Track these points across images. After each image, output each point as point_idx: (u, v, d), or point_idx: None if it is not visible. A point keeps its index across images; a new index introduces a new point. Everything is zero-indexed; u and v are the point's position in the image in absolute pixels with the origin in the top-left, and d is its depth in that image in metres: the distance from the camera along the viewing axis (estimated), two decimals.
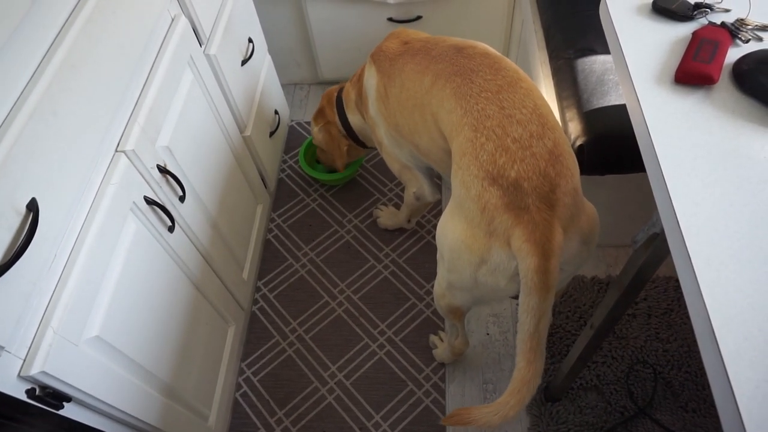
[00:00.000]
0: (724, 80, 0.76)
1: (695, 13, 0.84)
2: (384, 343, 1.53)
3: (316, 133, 1.66)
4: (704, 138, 0.70)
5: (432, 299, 1.60)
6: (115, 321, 0.89)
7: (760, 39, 0.80)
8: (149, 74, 1.05)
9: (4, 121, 0.69)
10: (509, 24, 1.94)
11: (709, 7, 0.85)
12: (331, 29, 1.95)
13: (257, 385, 1.49)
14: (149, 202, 0.99)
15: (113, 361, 0.90)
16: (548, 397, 1.39)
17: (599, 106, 1.26)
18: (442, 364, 1.49)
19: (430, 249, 1.71)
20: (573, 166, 0.92)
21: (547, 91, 1.44)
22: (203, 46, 1.30)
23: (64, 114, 0.78)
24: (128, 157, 0.94)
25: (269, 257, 1.73)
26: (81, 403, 0.84)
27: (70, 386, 0.79)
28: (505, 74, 1.00)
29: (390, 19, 1.89)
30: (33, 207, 0.71)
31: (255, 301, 1.64)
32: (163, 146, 1.06)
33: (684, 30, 0.84)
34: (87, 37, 0.84)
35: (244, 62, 1.52)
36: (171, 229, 1.06)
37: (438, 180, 1.75)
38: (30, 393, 0.73)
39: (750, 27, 0.81)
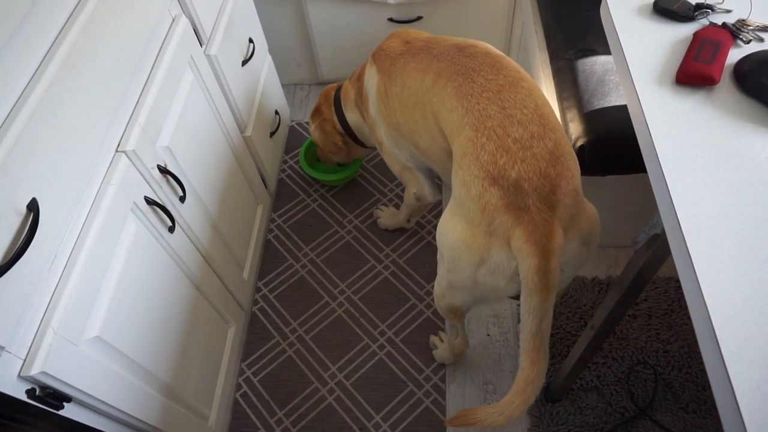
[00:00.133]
0: (726, 81, 0.76)
1: (696, 13, 0.84)
2: (384, 343, 1.53)
3: (313, 131, 1.66)
4: (705, 139, 0.70)
5: (432, 299, 1.60)
6: (115, 321, 0.89)
7: (761, 40, 0.80)
8: (150, 74, 1.05)
9: (4, 122, 0.69)
10: (510, 24, 1.94)
11: (710, 7, 0.85)
12: (332, 29, 1.95)
13: (257, 385, 1.49)
14: (149, 202, 0.99)
15: (113, 362, 0.90)
16: (548, 397, 1.39)
17: (600, 107, 1.26)
18: (443, 365, 1.48)
19: (431, 249, 1.71)
20: (574, 167, 0.92)
21: (548, 92, 1.44)
22: (204, 47, 1.30)
23: (65, 114, 0.78)
24: (129, 158, 0.94)
25: (269, 257, 1.73)
26: (81, 404, 0.84)
27: (71, 386, 0.79)
28: (507, 74, 1.00)
29: (390, 20, 1.89)
30: (33, 207, 0.71)
31: (255, 302, 1.64)
32: (164, 146, 1.06)
33: (685, 30, 0.84)
34: (87, 37, 0.84)
35: (244, 62, 1.52)
36: (171, 229, 1.06)
37: (438, 180, 1.75)
38: (30, 393, 0.73)
39: (751, 27, 0.81)
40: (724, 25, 0.82)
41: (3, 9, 0.69)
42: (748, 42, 0.80)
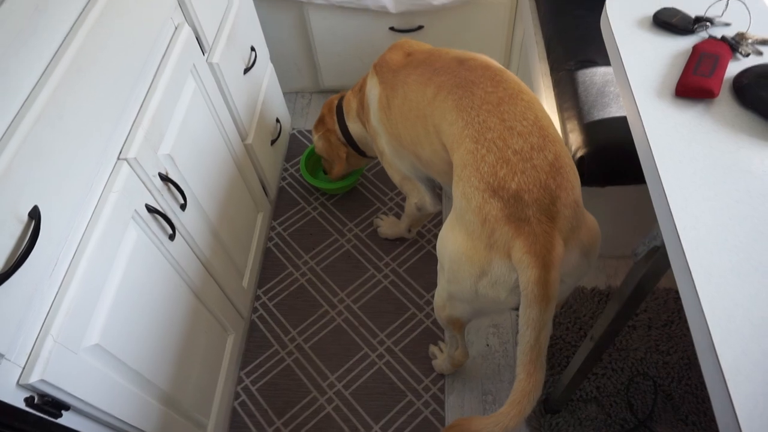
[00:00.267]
0: (725, 94, 0.77)
1: (696, 26, 0.85)
2: (383, 353, 1.53)
3: (317, 141, 1.67)
4: (704, 151, 0.71)
5: (432, 309, 1.60)
6: (114, 329, 0.89)
7: (760, 53, 0.81)
8: (152, 82, 1.05)
9: (7, 130, 0.69)
10: (510, 35, 1.96)
11: (710, 21, 0.85)
12: (333, 38, 1.96)
13: (256, 394, 1.48)
14: (150, 210, 0.99)
15: (112, 370, 0.90)
16: (548, 408, 1.38)
17: (600, 118, 1.26)
18: (442, 375, 1.48)
19: (431, 259, 1.71)
20: (574, 179, 0.93)
21: (548, 103, 1.44)
22: (206, 55, 1.30)
23: (68, 122, 0.79)
24: (130, 165, 0.95)
25: (269, 265, 1.73)
26: (79, 412, 0.84)
27: (69, 395, 0.78)
28: (507, 86, 1.01)
29: (392, 29, 1.90)
30: (35, 215, 0.71)
31: (254, 310, 1.64)
32: (165, 154, 1.07)
33: (684, 43, 0.84)
34: (91, 45, 0.85)
35: (246, 70, 1.53)
36: (172, 237, 1.06)
37: (439, 190, 1.75)
38: (29, 401, 0.73)
39: (750, 41, 0.82)
40: (723, 38, 0.83)
41: (8, 15, 0.69)
42: (747, 55, 0.81)
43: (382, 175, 1.91)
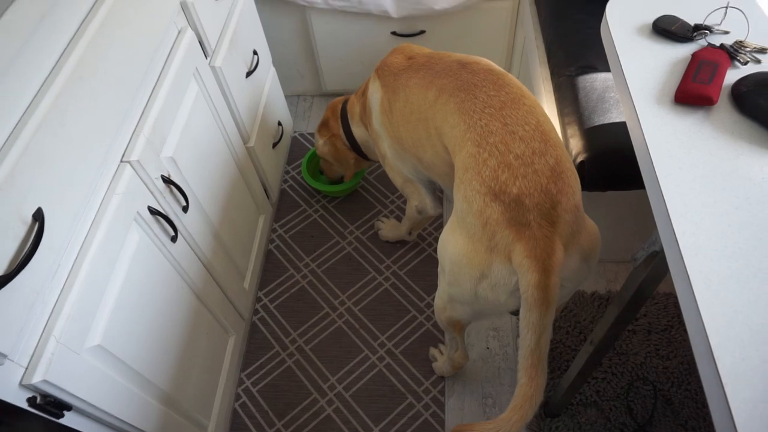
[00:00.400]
0: (723, 101, 0.77)
1: (695, 34, 0.85)
2: (384, 355, 1.53)
3: (321, 146, 1.67)
4: (703, 158, 0.71)
5: (432, 312, 1.60)
6: (116, 330, 0.90)
7: (758, 61, 0.81)
8: (155, 86, 1.06)
9: (12, 133, 0.70)
10: (511, 40, 1.96)
11: (709, 29, 0.86)
12: (335, 42, 1.97)
13: (256, 395, 1.49)
14: (153, 212, 1.00)
15: (114, 370, 0.91)
16: (548, 412, 1.38)
17: (600, 123, 1.27)
18: (442, 378, 1.48)
19: (431, 262, 1.71)
20: (575, 183, 0.93)
21: (549, 108, 1.45)
22: (209, 58, 1.31)
23: (72, 125, 0.79)
24: (133, 168, 0.95)
25: (270, 267, 1.74)
26: (81, 412, 0.85)
27: (71, 395, 0.79)
28: (509, 90, 1.02)
29: (393, 33, 1.91)
30: (39, 217, 0.71)
31: (255, 312, 1.64)
32: (168, 157, 1.07)
33: (684, 51, 0.85)
34: (95, 50, 0.85)
35: (248, 74, 1.53)
36: (174, 239, 1.07)
37: (440, 193, 1.76)
38: (31, 401, 0.74)
39: (748, 49, 0.83)
40: (722, 46, 0.83)
41: (13, 22, 0.70)
42: (746, 63, 0.81)
43: (384, 178, 1.92)
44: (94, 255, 0.84)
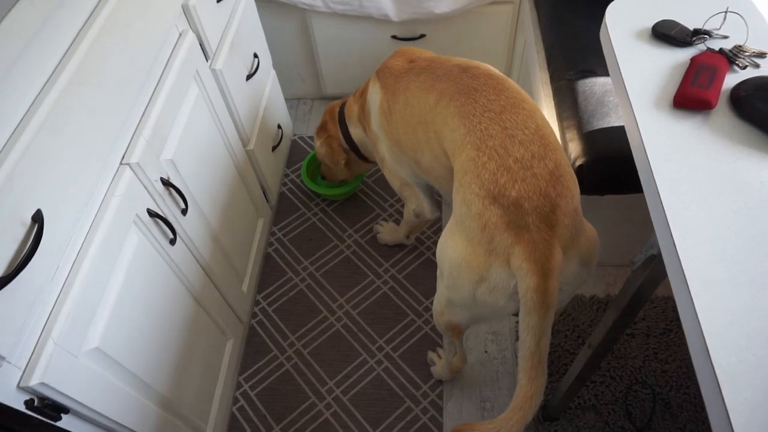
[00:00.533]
0: (722, 106, 0.77)
1: (694, 39, 0.86)
2: (382, 359, 1.53)
3: (319, 147, 1.68)
4: (702, 162, 0.71)
5: (431, 316, 1.60)
6: (114, 333, 0.90)
7: (757, 66, 0.82)
8: (156, 88, 1.06)
9: (12, 134, 0.70)
10: (512, 44, 1.97)
11: (708, 33, 0.86)
12: (336, 45, 1.97)
13: (254, 399, 1.48)
14: (152, 214, 1.00)
15: (112, 373, 0.90)
16: (546, 416, 1.38)
17: (599, 127, 1.27)
18: (440, 381, 1.48)
19: (430, 265, 1.71)
20: (574, 187, 0.93)
21: (548, 112, 1.45)
22: (209, 61, 1.31)
23: (72, 127, 0.79)
24: (133, 170, 0.95)
25: (269, 271, 1.74)
26: (79, 415, 0.84)
27: (69, 398, 0.79)
28: (509, 95, 1.02)
29: (394, 37, 1.92)
30: (38, 218, 0.71)
31: (254, 315, 1.64)
32: (168, 159, 1.07)
33: (682, 55, 0.85)
34: (96, 53, 0.85)
35: (249, 77, 1.54)
36: (173, 241, 1.07)
37: (438, 197, 1.76)
38: (29, 404, 0.74)
39: (747, 54, 0.83)
40: (721, 50, 0.83)
41: (15, 24, 0.70)
42: (744, 68, 0.81)
43: (382, 182, 1.92)
44: (93, 257, 0.84)
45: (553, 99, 1.44)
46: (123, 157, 0.95)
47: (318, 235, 1.81)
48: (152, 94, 1.05)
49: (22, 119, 0.72)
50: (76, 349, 0.80)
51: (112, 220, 0.88)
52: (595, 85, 1.35)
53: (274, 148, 1.78)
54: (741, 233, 0.64)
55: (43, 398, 0.76)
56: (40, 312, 0.76)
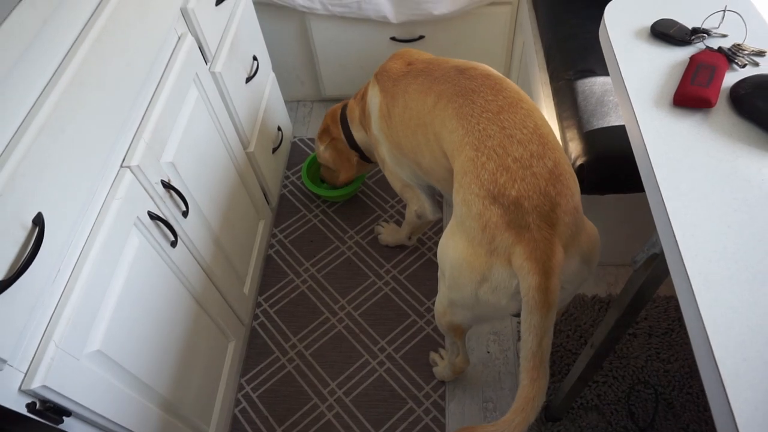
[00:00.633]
0: (722, 104, 0.77)
1: (693, 37, 0.86)
2: (384, 360, 1.53)
3: (322, 152, 1.67)
4: (702, 160, 0.71)
5: (433, 316, 1.60)
6: (116, 335, 0.90)
7: (756, 64, 0.82)
8: (155, 91, 1.06)
9: (12, 137, 0.70)
10: (510, 44, 1.97)
11: (707, 32, 0.86)
12: (335, 48, 1.97)
13: (256, 401, 1.48)
14: (153, 217, 1.00)
15: (113, 376, 0.90)
16: (549, 416, 1.38)
17: (599, 127, 1.27)
18: (442, 382, 1.48)
19: (431, 266, 1.71)
20: (573, 186, 0.93)
21: (548, 112, 1.45)
22: (209, 64, 1.32)
23: (73, 129, 0.79)
24: (133, 173, 0.95)
25: (270, 272, 1.74)
26: (81, 418, 0.84)
27: (71, 400, 0.79)
28: (506, 95, 1.02)
29: (393, 39, 1.92)
30: (39, 221, 0.71)
31: (255, 317, 1.64)
32: (168, 162, 1.07)
33: (682, 54, 0.85)
34: (96, 56, 0.86)
35: (248, 79, 1.54)
36: (174, 244, 1.07)
37: (439, 198, 1.76)
38: (30, 407, 0.74)
39: (746, 52, 0.83)
40: (720, 49, 0.83)
41: (15, 28, 0.70)
42: (744, 66, 0.81)
43: (383, 183, 1.92)
44: (93, 260, 0.84)
45: (553, 99, 1.45)
46: (123, 160, 0.95)
47: (319, 237, 1.81)
48: (152, 97, 1.05)
49: (23, 121, 0.72)
50: (77, 352, 0.80)
51: (112, 222, 0.88)
52: (595, 84, 1.35)
53: (274, 150, 1.78)
54: (742, 230, 0.64)
55: (44, 401, 0.76)
56: (41, 315, 0.76)
